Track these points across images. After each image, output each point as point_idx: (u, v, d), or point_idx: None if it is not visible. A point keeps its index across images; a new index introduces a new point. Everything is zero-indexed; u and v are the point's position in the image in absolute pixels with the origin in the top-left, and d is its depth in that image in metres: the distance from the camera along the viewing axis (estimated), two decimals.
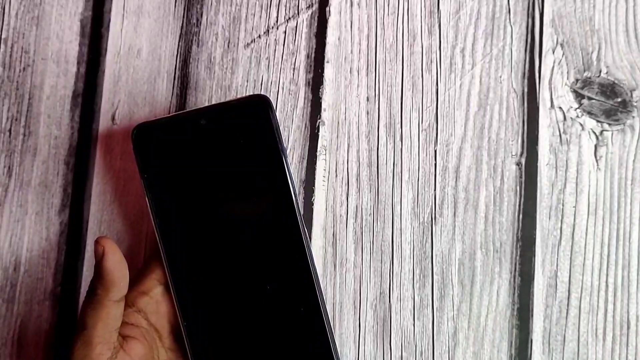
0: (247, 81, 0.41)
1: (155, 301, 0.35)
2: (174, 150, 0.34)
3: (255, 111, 0.34)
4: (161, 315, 0.35)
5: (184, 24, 0.42)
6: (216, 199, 0.34)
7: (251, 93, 0.41)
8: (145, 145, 0.34)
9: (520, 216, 0.40)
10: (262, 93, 0.37)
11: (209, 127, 0.34)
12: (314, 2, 0.42)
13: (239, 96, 0.38)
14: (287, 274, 0.34)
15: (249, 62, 0.41)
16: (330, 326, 0.35)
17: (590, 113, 0.41)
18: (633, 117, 0.41)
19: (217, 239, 0.34)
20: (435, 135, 0.41)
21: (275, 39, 0.42)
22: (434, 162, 0.41)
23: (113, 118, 0.41)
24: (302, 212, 0.35)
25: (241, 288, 0.34)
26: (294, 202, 0.34)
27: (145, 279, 0.35)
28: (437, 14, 0.42)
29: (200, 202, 0.34)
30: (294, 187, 0.34)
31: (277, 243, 0.34)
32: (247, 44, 0.41)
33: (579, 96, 0.42)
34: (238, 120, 0.34)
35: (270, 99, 0.36)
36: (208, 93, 0.41)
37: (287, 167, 0.34)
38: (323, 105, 0.41)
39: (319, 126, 0.41)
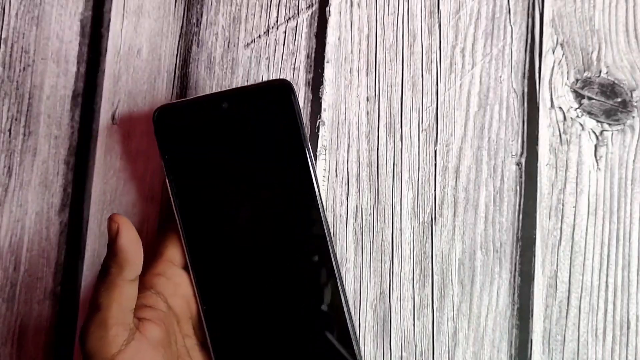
0: (247, 81, 0.41)
1: (173, 283, 0.34)
2: (195, 133, 0.34)
3: (278, 96, 0.34)
4: (179, 299, 0.34)
5: (184, 24, 0.42)
6: (236, 181, 0.34)
7: None
8: (166, 126, 0.34)
9: (520, 216, 0.40)
10: (284, 78, 0.37)
11: (231, 111, 0.34)
12: (314, 2, 0.42)
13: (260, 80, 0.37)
14: (308, 258, 0.34)
15: (249, 62, 0.41)
16: (350, 315, 0.34)
17: (590, 113, 0.41)
18: (633, 117, 0.41)
19: (236, 222, 0.34)
20: (435, 135, 0.41)
21: (275, 39, 0.42)
22: (434, 162, 0.41)
23: (113, 118, 0.41)
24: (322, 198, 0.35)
25: (262, 273, 0.34)
26: (315, 187, 0.34)
27: (159, 260, 0.34)
28: (437, 14, 0.42)
29: (220, 184, 0.34)
30: (315, 172, 0.34)
31: (297, 228, 0.34)
32: (247, 44, 0.42)
33: (579, 96, 0.42)
34: (260, 104, 0.34)
35: (293, 83, 0.35)
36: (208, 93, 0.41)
37: (309, 152, 0.34)
38: (323, 105, 0.41)
39: (319, 126, 0.41)
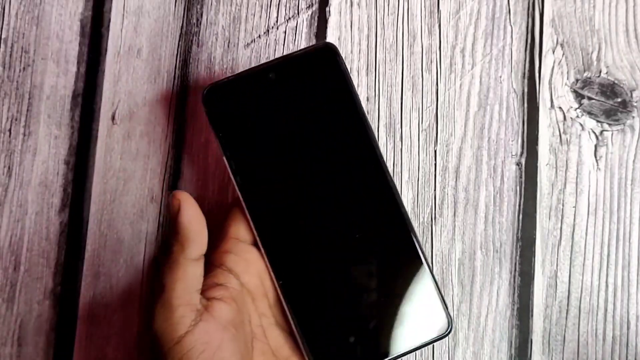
0: None
1: (244, 259, 0.33)
2: (246, 107, 0.34)
3: (323, 59, 0.34)
4: (252, 276, 0.33)
5: (184, 24, 0.42)
6: (294, 149, 0.34)
7: None
8: (216, 105, 0.34)
9: (520, 216, 0.40)
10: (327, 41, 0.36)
11: (278, 81, 0.34)
12: (314, 2, 0.42)
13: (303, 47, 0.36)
14: (376, 218, 0.33)
15: (249, 62, 0.41)
16: (433, 274, 0.33)
17: (590, 113, 0.41)
18: (633, 117, 0.41)
19: (300, 190, 0.33)
20: (435, 135, 0.41)
21: (275, 39, 0.42)
22: (434, 162, 0.41)
23: (113, 118, 0.41)
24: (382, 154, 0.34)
25: (331, 238, 0.33)
26: (373, 143, 0.34)
27: (225, 238, 0.33)
28: (437, 14, 0.42)
29: (279, 154, 0.33)
30: (370, 128, 0.34)
31: (362, 187, 0.34)
32: (247, 44, 0.42)
33: (579, 96, 0.42)
34: (306, 70, 0.34)
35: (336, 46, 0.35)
36: None
37: (362, 110, 0.34)
38: None
39: None
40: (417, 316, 0.33)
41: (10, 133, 0.40)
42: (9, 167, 0.40)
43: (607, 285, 0.40)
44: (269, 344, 0.33)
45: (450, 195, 0.40)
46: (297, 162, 0.34)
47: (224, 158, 0.33)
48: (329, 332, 0.33)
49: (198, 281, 0.30)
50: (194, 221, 0.30)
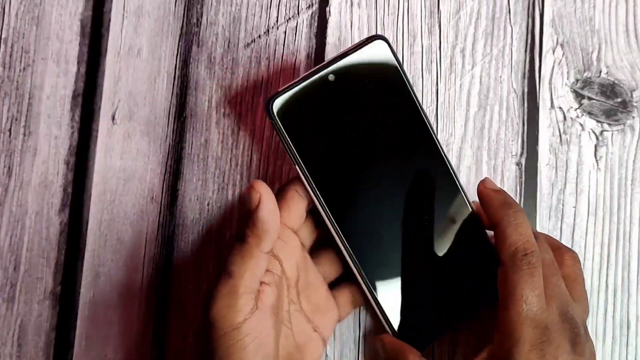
0: (247, 81, 0.41)
1: (290, 246, 0.34)
2: (312, 108, 0.34)
3: (376, 52, 0.35)
4: (292, 262, 0.34)
5: (184, 24, 0.42)
6: (361, 144, 0.35)
7: (253, 91, 0.41)
8: (281, 112, 0.34)
9: None
10: (378, 33, 0.37)
11: (338, 80, 0.34)
12: (314, 2, 0.42)
13: (355, 42, 0.37)
14: (440, 201, 0.36)
15: (249, 62, 0.41)
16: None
17: (590, 113, 0.41)
18: (633, 117, 0.41)
19: (370, 181, 0.35)
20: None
21: (275, 39, 0.42)
22: None
23: (113, 118, 0.41)
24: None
25: (403, 224, 0.35)
26: (432, 133, 0.36)
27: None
28: (437, 14, 0.42)
29: (348, 149, 0.34)
30: (427, 117, 0.36)
31: (425, 174, 0.36)
32: (247, 44, 0.42)
33: (579, 96, 0.42)
34: (363, 64, 0.34)
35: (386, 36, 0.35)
36: (208, 93, 0.41)
37: (417, 98, 0.35)
38: None
39: None
40: (479, 284, 0.36)
41: (10, 133, 0.40)
42: (9, 167, 0.40)
43: (607, 286, 0.40)
44: (292, 329, 0.34)
45: None
46: (366, 155, 0.35)
47: (295, 165, 0.34)
48: (404, 302, 0.35)
49: (263, 271, 0.31)
50: (272, 216, 0.30)
